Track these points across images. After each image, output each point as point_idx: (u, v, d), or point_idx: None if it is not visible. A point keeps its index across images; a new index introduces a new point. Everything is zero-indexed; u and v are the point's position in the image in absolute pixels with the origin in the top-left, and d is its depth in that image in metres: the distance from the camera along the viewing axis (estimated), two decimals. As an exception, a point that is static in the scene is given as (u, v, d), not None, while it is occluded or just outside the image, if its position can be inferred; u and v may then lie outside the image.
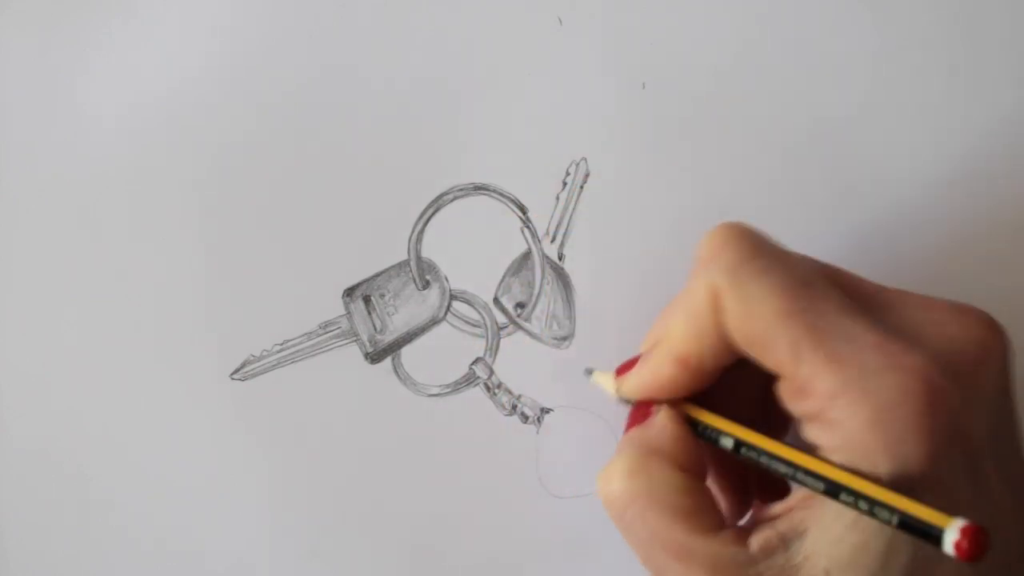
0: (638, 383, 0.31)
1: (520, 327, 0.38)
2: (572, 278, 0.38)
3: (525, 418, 0.37)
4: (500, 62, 0.38)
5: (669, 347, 0.30)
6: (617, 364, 0.32)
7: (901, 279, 0.37)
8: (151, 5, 0.38)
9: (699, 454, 0.30)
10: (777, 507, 0.28)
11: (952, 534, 0.24)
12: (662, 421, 0.30)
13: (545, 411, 0.37)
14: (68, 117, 0.38)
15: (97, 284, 0.38)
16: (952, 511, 0.25)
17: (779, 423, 0.30)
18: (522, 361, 0.37)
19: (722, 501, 0.32)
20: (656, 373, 0.30)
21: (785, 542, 0.27)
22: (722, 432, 0.29)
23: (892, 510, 0.25)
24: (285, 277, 0.37)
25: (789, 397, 0.28)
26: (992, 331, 0.29)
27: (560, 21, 0.38)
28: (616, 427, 0.37)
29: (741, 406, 0.31)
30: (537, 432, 0.37)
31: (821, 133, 0.37)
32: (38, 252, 0.38)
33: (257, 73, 0.38)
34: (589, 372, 0.34)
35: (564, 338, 0.37)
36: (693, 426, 0.30)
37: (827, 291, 0.28)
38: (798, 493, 0.28)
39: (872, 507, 0.26)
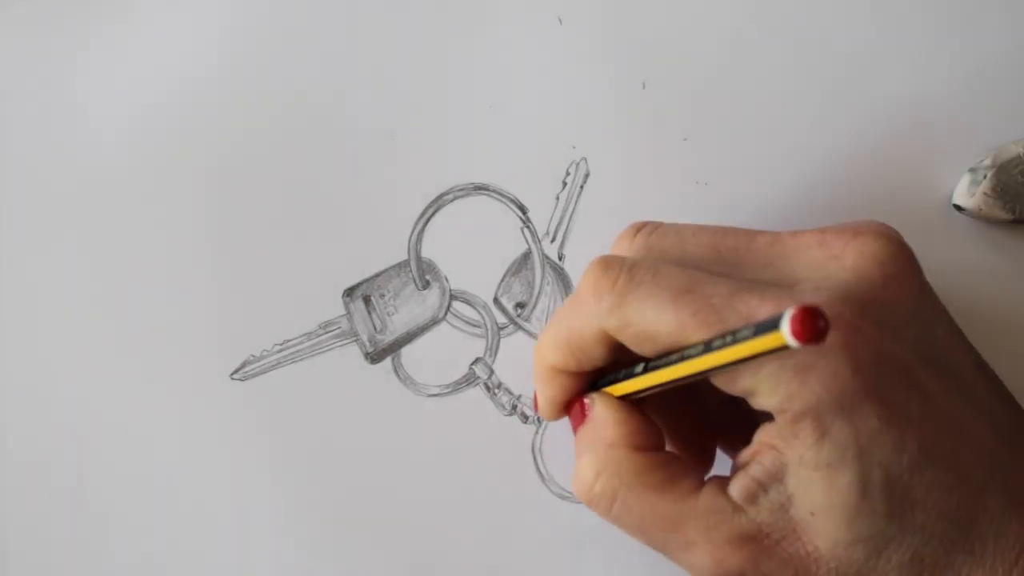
0: (549, 404, 0.32)
1: (520, 327, 0.38)
2: (572, 278, 0.38)
3: (525, 418, 0.37)
4: (500, 61, 0.38)
5: (544, 364, 0.31)
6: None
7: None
8: (152, 6, 0.38)
9: (648, 425, 0.30)
10: (744, 455, 0.28)
11: (786, 323, 0.22)
12: (601, 412, 0.30)
13: (545, 411, 0.37)
14: (67, 118, 0.38)
15: (96, 285, 0.38)
16: (902, 429, 0.26)
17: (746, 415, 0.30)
18: (522, 361, 0.37)
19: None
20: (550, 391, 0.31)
21: (763, 486, 0.27)
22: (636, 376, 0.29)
23: (745, 336, 0.24)
24: (285, 277, 0.37)
25: (724, 385, 0.28)
26: (890, 244, 0.28)
27: (560, 21, 0.38)
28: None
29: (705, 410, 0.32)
30: (537, 432, 0.37)
31: (820, 131, 0.37)
32: (36, 253, 0.38)
33: (257, 73, 0.38)
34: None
35: (564, 338, 0.37)
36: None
37: (710, 285, 0.28)
38: (759, 436, 0.28)
39: (735, 340, 0.25)
